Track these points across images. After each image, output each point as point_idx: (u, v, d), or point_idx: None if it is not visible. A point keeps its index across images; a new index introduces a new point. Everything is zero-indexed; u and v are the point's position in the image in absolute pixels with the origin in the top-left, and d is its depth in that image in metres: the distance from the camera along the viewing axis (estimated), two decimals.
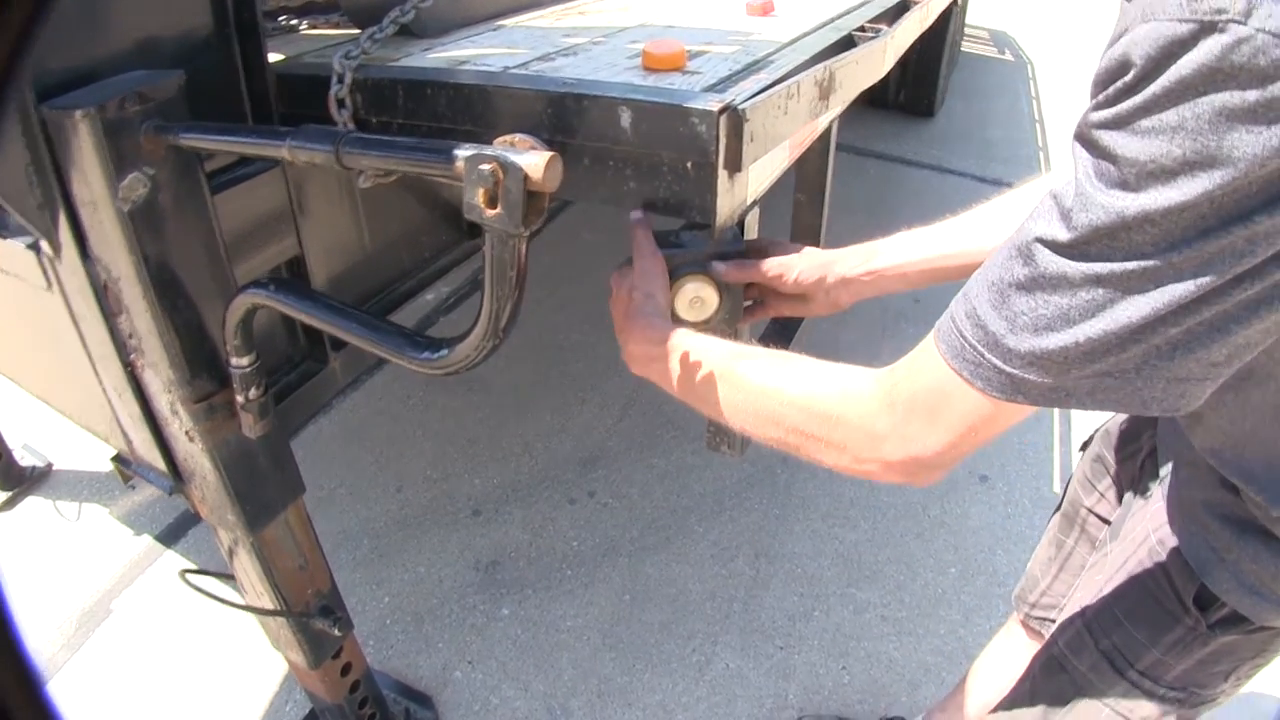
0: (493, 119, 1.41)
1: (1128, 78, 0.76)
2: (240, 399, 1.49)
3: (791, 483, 3.49)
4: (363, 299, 1.94)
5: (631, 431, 3.74)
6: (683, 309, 1.43)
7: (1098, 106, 0.80)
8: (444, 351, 1.18)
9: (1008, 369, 0.90)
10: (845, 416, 1.08)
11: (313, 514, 3.07)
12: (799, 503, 3.43)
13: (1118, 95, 0.78)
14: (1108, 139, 0.78)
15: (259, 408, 1.51)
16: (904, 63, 6.21)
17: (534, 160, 0.95)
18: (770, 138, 1.38)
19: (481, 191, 0.98)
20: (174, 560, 3.10)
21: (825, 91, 1.56)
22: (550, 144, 1.31)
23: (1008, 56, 9.44)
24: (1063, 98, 8.00)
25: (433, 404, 3.87)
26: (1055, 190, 0.86)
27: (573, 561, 3.17)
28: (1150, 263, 0.78)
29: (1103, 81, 0.80)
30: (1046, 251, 0.85)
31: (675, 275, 1.40)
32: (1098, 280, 0.81)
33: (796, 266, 1.47)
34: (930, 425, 1.00)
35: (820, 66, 1.53)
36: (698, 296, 1.42)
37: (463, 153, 1.01)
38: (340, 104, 1.49)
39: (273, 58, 1.62)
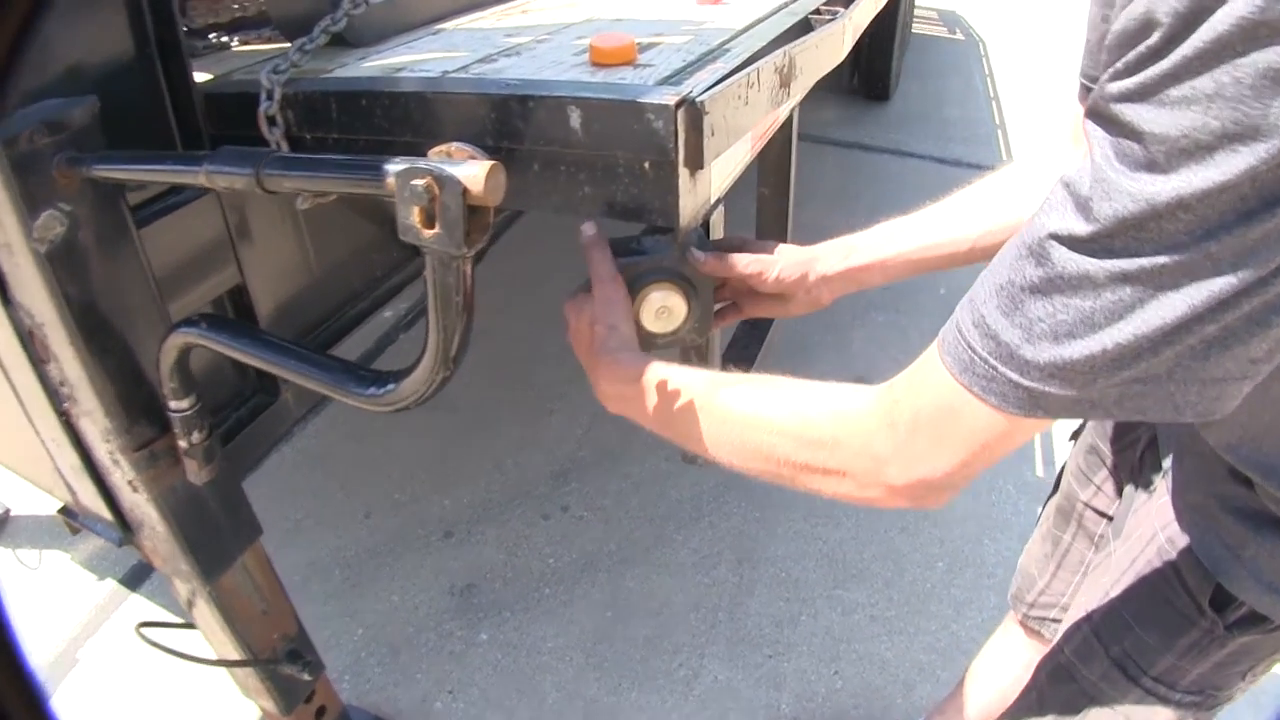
0: (433, 128, 1.32)
1: (1152, 40, 0.67)
2: (183, 444, 1.41)
3: (771, 484, 3.37)
4: (313, 325, 1.86)
5: (602, 440, 3.67)
6: (649, 320, 1.35)
7: (1117, 75, 0.71)
8: (391, 386, 1.10)
9: (1025, 383, 0.80)
10: (841, 440, 1.00)
11: (280, 546, 3.07)
12: (779, 504, 3.36)
13: (1141, 61, 0.68)
14: (1131, 113, 0.69)
15: (204, 452, 1.43)
16: (857, 46, 6.14)
17: (472, 171, 0.86)
18: (732, 130, 1.30)
19: (416, 210, 0.89)
20: (139, 604, 3.00)
21: (786, 78, 1.48)
22: (496, 150, 1.25)
23: (959, 36, 9.47)
24: (1016, 74, 8.02)
25: (397, 425, 3.75)
26: (1067, 177, 0.76)
27: (550, 579, 3.09)
28: (1184, 255, 0.68)
29: (1122, 45, 0.71)
30: (1063, 249, 0.75)
31: (638, 284, 1.32)
32: (1124, 278, 0.72)
33: (777, 264, 1.39)
34: (938, 445, 0.91)
35: (779, 52, 1.45)
36: (664, 306, 1.33)
37: (393, 168, 0.91)
38: (271, 122, 1.39)
39: (202, 77, 1.53)
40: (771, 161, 2.29)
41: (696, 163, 1.21)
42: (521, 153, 1.28)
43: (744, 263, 1.37)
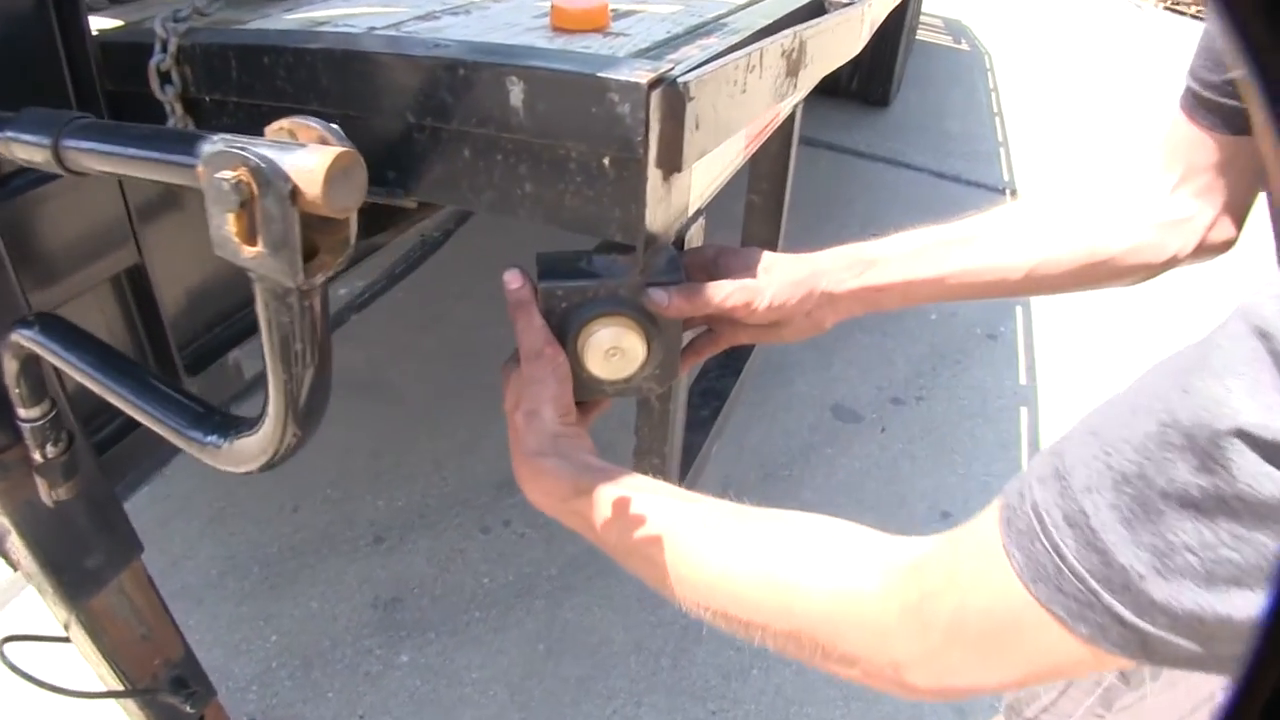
0: (343, 95, 1.06)
1: None
2: (35, 458, 1.18)
3: None
4: (230, 311, 1.66)
5: None
6: (596, 365, 1.06)
7: None
8: (230, 438, 0.81)
9: (1141, 625, 0.53)
10: (845, 628, 0.74)
11: (200, 536, 2.99)
12: None
13: None
14: None
15: (62, 468, 1.20)
16: None
17: (307, 164, 0.57)
18: (722, 125, 1.03)
19: (230, 217, 0.60)
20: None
21: (794, 66, 1.22)
22: (419, 129, 0.99)
23: (964, 46, 9.36)
24: (1022, 91, 7.90)
25: (337, 413, 3.41)
26: (1267, 323, 0.48)
27: (482, 602, 2.86)
28: None
29: None
30: (1253, 457, 0.47)
31: (584, 315, 1.03)
32: None
33: (768, 290, 1.09)
34: (986, 661, 0.65)
35: (788, 33, 1.18)
36: (616, 347, 1.04)
37: (207, 149, 0.62)
38: (164, 78, 1.16)
39: (113, 24, 1.32)
40: (766, 166, 2.01)
41: (673, 163, 0.94)
42: (449, 134, 1.01)
43: (723, 295, 1.07)
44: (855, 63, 6.50)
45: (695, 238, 1.17)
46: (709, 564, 0.84)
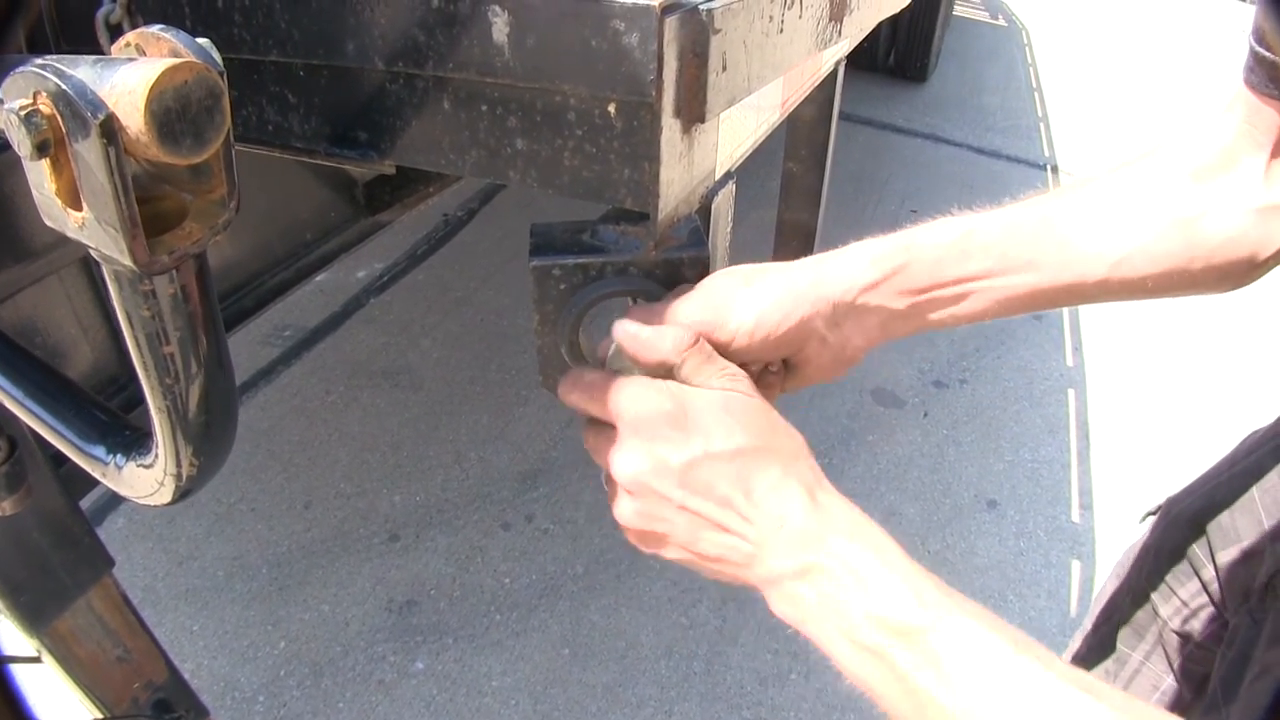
0: (306, 41, 0.88)
1: None
2: None
3: None
4: (225, 293, 1.60)
5: (580, 440, 3.25)
6: (604, 358, 0.88)
7: None
8: (120, 459, 0.65)
9: None
10: None
11: (207, 535, 2.92)
12: None
13: None
14: None
15: (2, 480, 1.07)
16: (895, 21, 5.95)
17: (128, 83, 0.39)
18: (755, 69, 0.85)
19: (44, 169, 0.43)
20: None
21: (839, 8, 1.03)
22: (391, 78, 0.82)
23: (1000, 21, 9.47)
24: (1061, 66, 7.96)
25: (354, 401, 3.49)
26: None
27: (503, 604, 2.76)
28: None
29: None
30: None
31: (586, 299, 0.85)
32: None
33: (748, 303, 0.81)
34: None
35: None
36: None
37: (15, 79, 0.44)
38: (114, 31, 0.98)
39: None
40: (806, 130, 1.83)
41: (695, 111, 0.77)
42: (424, 82, 0.84)
43: (685, 311, 0.81)
44: (892, 37, 6.49)
45: (724, 206, 0.98)
46: None
